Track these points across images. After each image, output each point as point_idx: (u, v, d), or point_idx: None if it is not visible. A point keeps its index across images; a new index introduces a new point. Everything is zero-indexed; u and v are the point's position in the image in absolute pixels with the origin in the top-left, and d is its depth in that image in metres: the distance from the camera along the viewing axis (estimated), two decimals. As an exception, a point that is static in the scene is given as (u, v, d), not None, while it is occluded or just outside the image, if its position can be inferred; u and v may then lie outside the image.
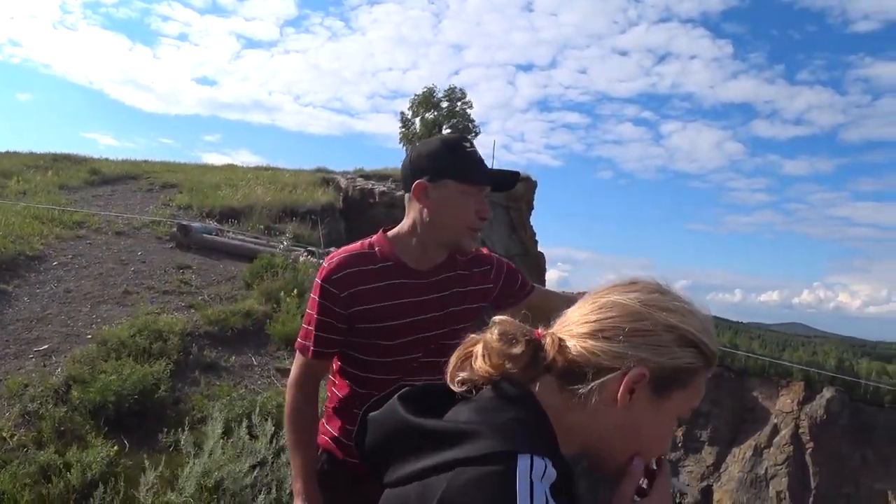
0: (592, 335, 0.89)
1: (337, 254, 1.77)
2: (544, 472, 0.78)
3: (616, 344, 0.87)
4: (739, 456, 23.00)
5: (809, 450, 21.80)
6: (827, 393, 22.32)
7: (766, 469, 22.21)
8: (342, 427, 1.83)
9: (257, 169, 17.41)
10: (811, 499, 21.03)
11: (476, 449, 0.79)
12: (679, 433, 23.11)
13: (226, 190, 12.46)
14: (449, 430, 0.83)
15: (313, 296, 1.75)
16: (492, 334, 0.93)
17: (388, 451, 0.89)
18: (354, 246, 1.79)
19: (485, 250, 1.93)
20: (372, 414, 0.94)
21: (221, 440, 3.71)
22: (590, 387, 0.88)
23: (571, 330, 0.91)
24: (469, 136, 1.78)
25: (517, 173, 1.78)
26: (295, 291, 6.47)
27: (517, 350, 0.90)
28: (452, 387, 0.93)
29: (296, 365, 1.82)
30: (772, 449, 22.49)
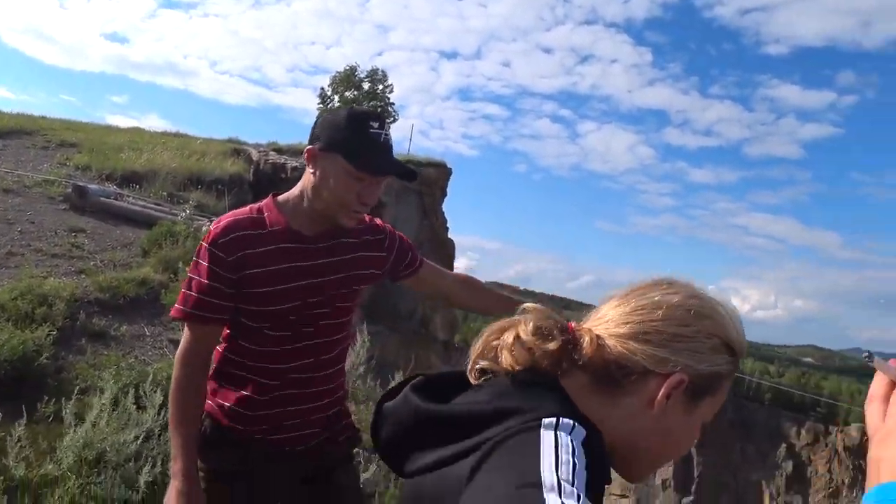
0: (634, 336, 0.86)
1: (224, 218, 1.72)
2: (572, 428, 0.75)
3: (659, 348, 0.85)
4: (630, 446, 24.02)
5: (695, 441, 23.00)
6: (714, 388, 23.54)
7: (654, 459, 23.30)
8: (228, 394, 1.78)
9: (165, 134, 16.65)
10: (693, 486, 22.19)
11: (498, 431, 0.75)
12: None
13: (129, 153, 11.82)
14: (471, 413, 0.81)
15: (199, 260, 1.68)
16: (525, 326, 0.88)
17: (407, 442, 0.86)
18: (243, 210, 1.74)
19: (378, 220, 1.91)
20: (387, 404, 0.91)
21: (106, 411, 3.53)
22: (626, 388, 0.86)
23: (610, 328, 0.88)
24: (385, 116, 1.73)
25: (414, 172, 1.75)
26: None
27: (552, 346, 0.86)
28: (471, 377, 0.89)
29: (184, 335, 1.74)
30: (660, 440, 23.59)
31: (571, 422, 0.75)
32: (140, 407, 3.72)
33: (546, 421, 0.74)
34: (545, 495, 0.63)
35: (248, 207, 1.75)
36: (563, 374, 0.86)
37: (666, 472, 23.00)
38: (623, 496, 22.91)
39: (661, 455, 0.91)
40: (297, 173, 17.24)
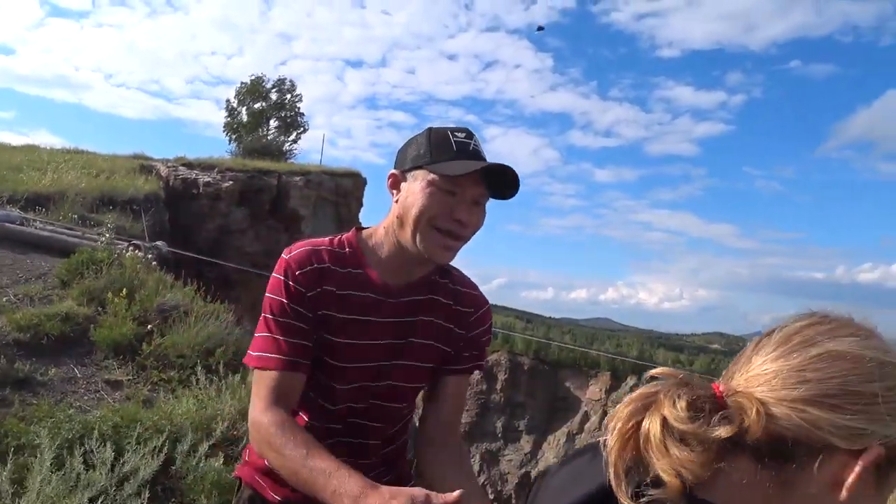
0: (816, 402, 0.67)
1: (300, 245, 1.46)
2: None
3: (853, 416, 0.67)
4: (554, 443, 24.35)
5: (615, 434, 23.66)
6: (630, 381, 24.21)
7: (579, 454, 23.77)
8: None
9: (64, 151, 15.56)
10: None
11: None
12: (500, 423, 24.06)
13: (30, 173, 10.96)
14: None
15: (274, 296, 1.41)
16: (672, 406, 0.70)
17: None
18: (322, 240, 1.49)
19: (478, 292, 1.62)
20: None
21: (50, 473, 3.16)
22: (800, 473, 0.68)
23: (777, 391, 0.69)
24: (466, 130, 1.48)
25: (512, 170, 1.42)
26: (124, 291, 5.76)
27: (722, 433, 0.68)
28: (622, 496, 0.69)
29: (259, 387, 1.40)
30: (583, 434, 24.04)
31: None
32: (89, 465, 3.36)
33: None
34: None
35: (326, 238, 1.51)
36: (723, 466, 0.69)
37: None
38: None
39: None
40: (210, 188, 16.59)
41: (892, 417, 0.67)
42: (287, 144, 28.34)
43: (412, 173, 1.42)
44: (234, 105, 29.45)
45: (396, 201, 1.44)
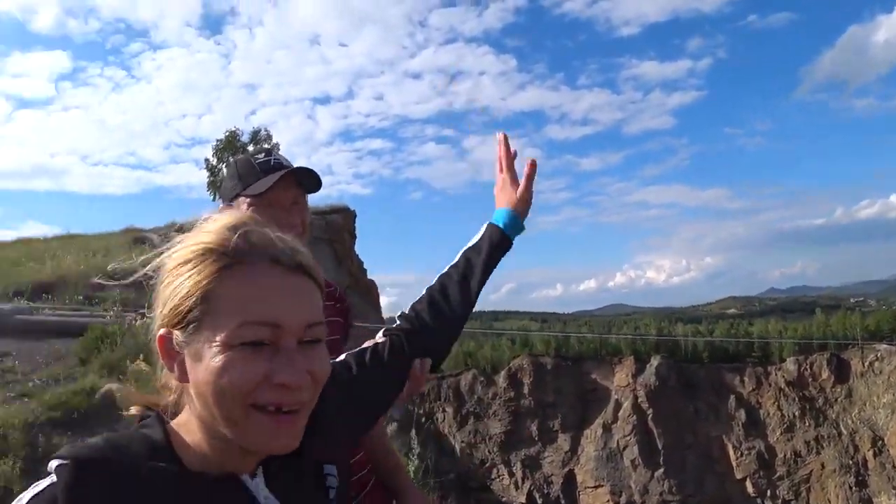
0: None
1: None
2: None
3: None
4: (591, 436, 24.23)
5: (650, 415, 23.48)
6: (654, 361, 24.15)
7: (618, 442, 23.61)
8: None
9: (57, 238, 15.79)
10: (661, 458, 22.68)
11: None
12: (534, 427, 23.93)
13: (29, 265, 11.18)
14: None
15: None
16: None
17: None
18: None
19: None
20: None
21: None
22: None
23: None
24: (271, 148, 1.74)
25: (310, 171, 1.67)
26: (141, 357, 5.90)
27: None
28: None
29: None
30: (618, 423, 23.93)
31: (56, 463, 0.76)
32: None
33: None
34: None
35: None
36: None
37: (632, 452, 23.41)
38: (598, 486, 23.16)
39: (230, 411, 0.79)
40: (206, 247, 16.70)
41: (160, 304, 0.85)
42: (272, 193, 28.41)
43: (235, 202, 1.66)
44: (214, 163, 29.62)
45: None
